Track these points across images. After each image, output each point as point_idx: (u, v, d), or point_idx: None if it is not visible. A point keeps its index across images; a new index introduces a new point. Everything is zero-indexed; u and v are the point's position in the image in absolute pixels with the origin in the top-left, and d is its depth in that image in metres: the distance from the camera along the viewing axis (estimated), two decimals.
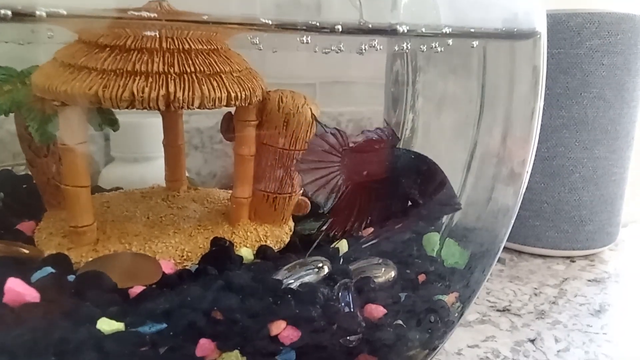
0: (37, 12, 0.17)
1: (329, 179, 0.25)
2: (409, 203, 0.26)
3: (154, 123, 0.40)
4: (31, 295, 0.20)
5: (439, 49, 0.30)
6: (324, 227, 0.26)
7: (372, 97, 0.44)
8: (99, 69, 0.25)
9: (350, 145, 0.25)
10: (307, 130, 0.30)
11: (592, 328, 0.37)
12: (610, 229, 0.50)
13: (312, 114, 0.30)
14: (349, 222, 0.26)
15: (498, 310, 0.39)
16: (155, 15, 0.20)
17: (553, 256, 0.49)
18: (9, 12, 0.17)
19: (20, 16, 0.18)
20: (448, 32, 0.25)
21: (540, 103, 0.28)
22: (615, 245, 0.53)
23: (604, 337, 0.35)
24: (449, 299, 0.27)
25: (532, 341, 0.34)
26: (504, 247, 0.50)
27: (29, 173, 0.31)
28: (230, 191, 0.31)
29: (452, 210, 0.28)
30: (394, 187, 0.26)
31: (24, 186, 0.35)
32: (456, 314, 0.28)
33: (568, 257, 0.50)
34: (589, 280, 0.45)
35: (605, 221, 0.49)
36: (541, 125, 0.46)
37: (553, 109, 0.47)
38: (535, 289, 0.43)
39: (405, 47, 0.34)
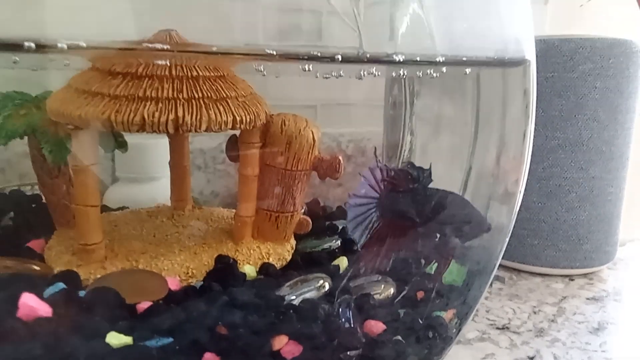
0: (59, 45, 0.19)
1: (367, 216, 0.25)
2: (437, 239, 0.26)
3: (157, 144, 0.41)
4: (44, 310, 0.21)
5: (434, 75, 0.31)
6: (353, 263, 0.26)
7: (371, 118, 0.45)
8: (111, 94, 0.26)
9: (387, 181, 0.25)
10: (309, 152, 0.31)
11: (590, 346, 0.37)
12: (608, 248, 0.51)
13: (313, 136, 0.31)
14: (377, 258, 0.26)
15: (497, 328, 0.39)
16: (168, 47, 0.22)
17: (552, 275, 0.50)
18: (33, 45, 0.18)
19: (43, 48, 0.19)
20: (442, 60, 0.26)
21: (532, 125, 0.30)
22: (614, 264, 0.53)
23: (602, 354, 0.36)
24: (447, 315, 0.28)
25: (532, 359, 0.35)
26: (503, 266, 0.51)
27: (38, 193, 0.33)
28: (234, 210, 0.32)
29: (482, 231, 0.28)
30: (425, 225, 0.26)
31: (33, 205, 0.36)
32: (454, 330, 0.28)
33: (567, 276, 0.50)
34: (588, 299, 0.45)
35: (602, 240, 0.50)
36: (537, 146, 0.47)
37: (548, 130, 0.48)
38: (535, 307, 0.43)
39: (402, 74, 0.35)
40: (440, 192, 0.27)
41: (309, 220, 0.34)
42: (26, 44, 0.18)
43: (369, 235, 0.25)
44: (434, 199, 0.26)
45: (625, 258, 0.56)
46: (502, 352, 0.35)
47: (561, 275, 0.50)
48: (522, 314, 0.42)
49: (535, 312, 0.42)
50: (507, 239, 0.30)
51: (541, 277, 0.50)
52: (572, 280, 0.49)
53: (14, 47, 0.19)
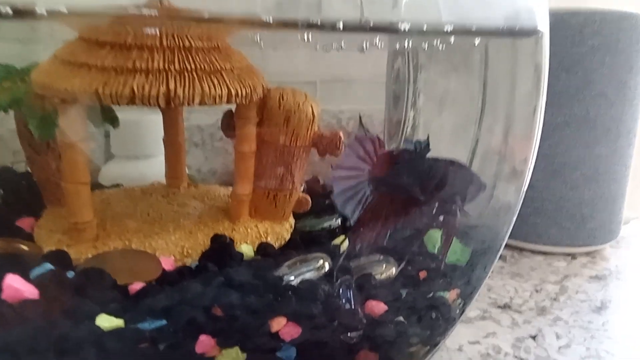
0: (38, 10, 0.17)
1: (358, 190, 0.24)
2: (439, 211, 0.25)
3: (154, 120, 0.40)
4: (30, 291, 0.20)
5: (440, 47, 0.30)
6: (348, 241, 0.25)
7: (373, 95, 0.44)
8: (99, 66, 0.24)
9: (381, 152, 0.24)
10: (308, 128, 0.30)
11: (593, 325, 0.36)
12: (611, 226, 0.50)
13: (313, 111, 0.30)
14: (373, 234, 0.25)
15: (499, 307, 0.39)
16: (156, 12, 0.20)
17: (554, 253, 0.49)
18: (9, 10, 0.17)
19: (21, 14, 0.18)
20: (449, 29, 0.25)
21: (543, 101, 0.28)
22: (617, 242, 0.53)
23: (605, 333, 0.35)
24: (450, 295, 0.27)
25: (533, 337, 0.34)
26: (506, 244, 0.50)
27: (29, 170, 0.32)
28: (231, 188, 0.31)
29: (480, 191, 0.26)
30: (423, 198, 0.25)
31: (24, 183, 0.35)
32: (457, 311, 0.28)
33: (569, 254, 0.49)
34: (590, 277, 0.45)
35: (606, 218, 0.49)
36: (543, 123, 0.46)
37: (555, 107, 0.47)
38: (537, 285, 0.43)
39: (406, 45, 0.33)
40: (438, 161, 0.25)
41: (309, 198, 0.33)
42: (2, 8, 0.17)
43: (362, 211, 0.24)
44: (434, 169, 0.25)
45: (628, 236, 0.55)
46: (503, 331, 0.35)
47: (563, 254, 0.49)
48: (524, 292, 0.41)
49: (537, 291, 0.42)
50: (514, 219, 0.29)
51: (543, 256, 0.49)
52: (575, 258, 0.49)
53: None
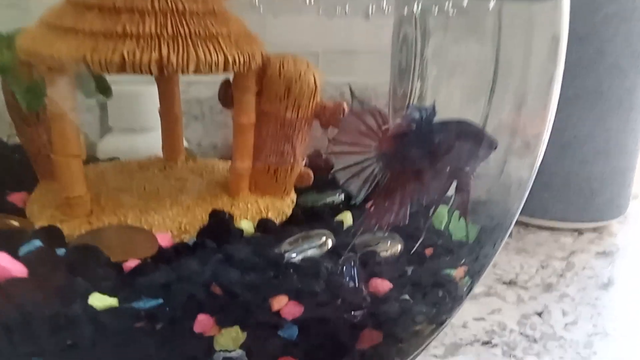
0: None
1: (364, 167, 0.22)
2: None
3: (153, 92, 0.38)
4: (18, 269, 0.19)
5: (451, 12, 0.28)
6: (359, 224, 0.23)
7: (378, 67, 0.42)
8: (86, 30, 0.23)
9: (387, 128, 0.22)
10: (310, 98, 0.28)
11: (600, 301, 0.36)
12: (620, 201, 0.49)
13: (315, 80, 0.28)
14: (389, 214, 0.23)
15: (504, 283, 0.38)
16: None
17: (561, 228, 0.48)
18: None
19: None
20: None
21: (560, 72, 0.27)
22: (625, 218, 0.52)
23: (611, 310, 0.35)
24: (457, 273, 0.26)
25: (539, 314, 0.34)
26: None
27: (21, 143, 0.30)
28: (230, 162, 0.30)
29: (492, 149, 0.24)
30: (439, 168, 0.23)
31: (16, 156, 0.34)
32: (465, 289, 0.27)
33: (576, 230, 0.49)
34: (597, 253, 0.44)
35: (615, 193, 0.48)
36: None
37: (566, 79, 0.44)
38: (543, 261, 0.42)
39: (415, 9, 0.32)
40: (446, 124, 0.23)
41: (311, 173, 0.32)
42: None
43: (369, 189, 0.22)
44: (444, 134, 0.23)
45: (636, 212, 0.54)
46: (509, 307, 0.35)
47: (570, 229, 0.48)
48: (529, 268, 0.41)
49: (543, 267, 0.41)
50: (525, 195, 0.28)
51: (549, 231, 0.48)
52: (582, 234, 0.48)
53: None
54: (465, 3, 0.26)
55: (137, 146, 0.40)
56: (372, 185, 0.22)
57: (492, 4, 0.27)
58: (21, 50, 0.24)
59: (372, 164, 0.22)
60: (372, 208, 0.23)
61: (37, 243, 0.21)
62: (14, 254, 0.20)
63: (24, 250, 0.21)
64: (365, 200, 0.27)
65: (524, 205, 0.47)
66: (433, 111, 0.23)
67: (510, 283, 0.38)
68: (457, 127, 0.23)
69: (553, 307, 0.35)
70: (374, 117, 0.22)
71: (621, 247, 0.45)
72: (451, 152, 0.23)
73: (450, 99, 0.35)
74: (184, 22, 0.24)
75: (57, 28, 0.24)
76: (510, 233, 0.47)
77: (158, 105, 0.32)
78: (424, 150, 0.23)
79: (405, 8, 0.32)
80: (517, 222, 0.49)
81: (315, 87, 0.28)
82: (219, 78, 0.30)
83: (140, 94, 0.39)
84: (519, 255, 0.43)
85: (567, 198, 0.47)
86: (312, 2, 0.27)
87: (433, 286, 0.25)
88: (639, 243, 0.47)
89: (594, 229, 0.49)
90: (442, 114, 0.25)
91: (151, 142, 0.39)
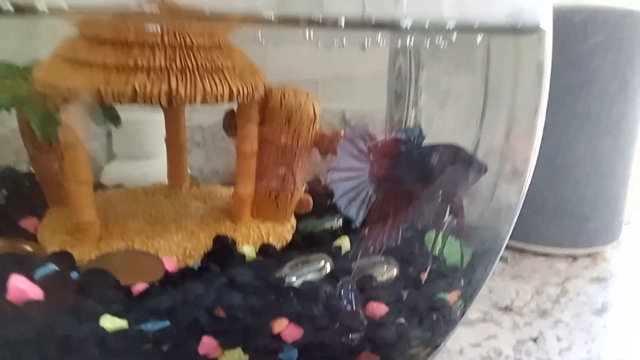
0: (39, 7, 0.17)
1: (359, 190, 0.23)
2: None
3: (156, 120, 0.40)
4: (34, 292, 0.20)
5: (442, 45, 0.30)
6: (359, 245, 0.24)
7: (374, 94, 0.44)
8: (100, 64, 0.24)
9: (377, 147, 0.23)
10: (310, 127, 0.30)
11: (594, 327, 0.36)
12: (613, 227, 0.50)
13: (314, 110, 0.29)
14: (381, 236, 0.24)
15: (500, 309, 0.39)
16: (157, 10, 0.20)
17: (555, 254, 0.49)
18: (11, 7, 0.17)
19: (22, 10, 0.18)
20: (451, 27, 0.25)
21: (545, 100, 0.28)
22: (618, 244, 0.53)
23: (606, 336, 0.35)
24: (451, 297, 0.27)
25: (534, 340, 0.34)
26: (507, 246, 0.50)
27: (32, 170, 0.31)
28: (233, 188, 0.31)
29: (481, 174, 0.25)
30: (429, 188, 0.24)
31: (27, 183, 0.35)
32: (458, 312, 0.28)
33: (570, 256, 0.49)
34: (592, 279, 0.45)
35: (608, 218, 0.49)
36: (544, 121, 0.45)
37: (556, 105, 0.46)
38: (538, 287, 0.43)
39: (408, 43, 0.33)
40: (436, 148, 0.24)
41: (310, 199, 0.33)
42: (2, 4, 0.17)
43: (367, 211, 0.23)
44: (434, 157, 0.24)
45: (629, 238, 0.55)
46: (504, 333, 0.35)
47: (565, 255, 0.49)
48: (525, 294, 0.41)
49: (538, 293, 0.41)
50: (515, 219, 0.29)
51: (544, 257, 0.49)
52: (576, 260, 0.49)
53: None
54: (454, 38, 0.28)
55: (140, 173, 0.41)
56: (368, 208, 0.23)
57: (479, 39, 0.29)
58: (38, 81, 0.26)
59: (366, 186, 0.23)
60: (367, 230, 0.24)
61: (52, 267, 0.22)
62: (29, 277, 0.21)
63: (39, 273, 0.22)
64: (365, 223, 0.28)
65: (518, 230, 0.48)
66: (420, 133, 0.24)
67: (506, 309, 0.39)
68: (446, 151, 0.24)
69: (548, 332, 0.35)
70: (363, 140, 0.23)
71: (615, 273, 0.46)
72: (442, 175, 0.24)
73: (443, 126, 0.37)
74: (192, 56, 0.26)
75: (72, 61, 0.25)
76: (506, 259, 0.48)
77: (161, 133, 0.34)
78: (414, 171, 0.24)
79: (399, 41, 0.34)
80: (512, 248, 0.50)
81: (315, 116, 0.30)
82: (221, 105, 0.32)
83: (143, 122, 0.41)
84: (514, 281, 0.44)
85: (561, 223, 0.48)
86: (312, 37, 0.29)
87: (428, 310, 0.26)
88: (633, 269, 0.48)
89: (588, 255, 0.50)
90: (436, 140, 0.26)
91: (154, 169, 0.41)
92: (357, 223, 0.23)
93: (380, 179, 0.23)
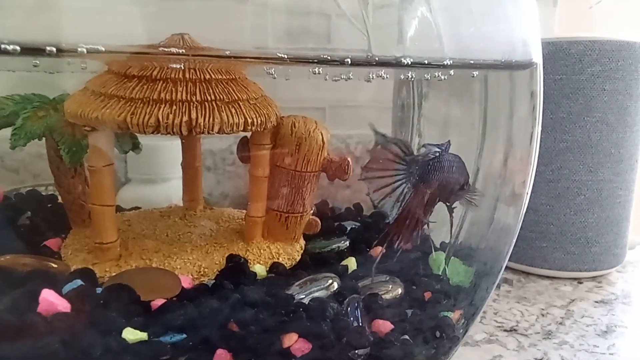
0: (79, 49, 0.19)
1: (395, 187, 0.26)
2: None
3: (169, 146, 0.42)
4: (63, 305, 0.22)
5: (442, 78, 0.32)
6: (386, 237, 0.26)
7: (380, 120, 0.46)
8: (127, 97, 0.26)
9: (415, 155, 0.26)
10: (318, 154, 0.31)
11: (598, 349, 0.37)
12: (616, 251, 0.50)
13: (323, 138, 0.31)
14: (409, 231, 0.27)
15: (505, 330, 0.39)
16: (182, 51, 0.22)
17: (560, 277, 0.50)
18: (54, 49, 0.19)
19: (63, 52, 0.20)
20: (450, 63, 0.27)
21: (539, 127, 0.30)
22: (622, 267, 0.53)
23: (610, 357, 0.36)
24: (454, 315, 0.28)
25: None
26: (512, 268, 0.51)
27: (53, 193, 0.33)
28: (244, 210, 0.33)
29: (466, 194, 0.29)
30: (445, 192, 0.27)
31: (50, 205, 0.37)
32: (461, 330, 0.28)
33: (575, 279, 0.50)
34: (596, 302, 0.45)
35: (611, 243, 0.50)
36: (545, 148, 0.47)
37: (557, 132, 0.48)
38: (543, 309, 0.43)
39: (410, 76, 0.35)
40: (455, 155, 0.28)
41: (318, 221, 0.34)
42: (48, 48, 0.19)
43: (400, 208, 0.26)
44: (458, 163, 0.28)
45: (634, 261, 0.55)
46: (509, 354, 0.36)
47: (570, 278, 0.50)
48: (530, 316, 0.42)
49: (543, 315, 0.42)
50: (514, 240, 0.30)
51: (549, 280, 0.50)
52: (581, 283, 0.49)
53: (36, 51, 0.20)
54: (452, 72, 0.30)
55: (153, 195, 0.43)
56: (401, 205, 0.26)
57: (476, 73, 0.31)
58: (69, 113, 0.28)
59: (402, 184, 0.26)
60: (394, 226, 0.26)
61: (79, 282, 0.24)
62: (57, 291, 0.23)
63: (67, 288, 0.24)
64: (367, 244, 0.30)
65: (524, 254, 0.49)
66: (448, 144, 0.27)
67: (511, 330, 0.39)
68: (459, 160, 0.28)
69: (552, 354, 0.36)
70: (398, 146, 0.26)
71: (620, 296, 0.47)
72: (461, 179, 0.27)
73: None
74: (210, 89, 0.28)
75: (100, 94, 0.27)
76: (511, 281, 0.49)
77: (172, 157, 0.35)
78: (449, 174, 0.27)
79: (402, 75, 0.36)
80: (518, 271, 0.51)
81: (323, 143, 0.31)
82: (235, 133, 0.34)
83: (157, 148, 0.43)
84: (519, 303, 0.44)
85: (565, 247, 0.49)
86: (320, 71, 0.31)
87: (432, 328, 0.27)
88: (637, 292, 0.48)
89: (593, 278, 0.50)
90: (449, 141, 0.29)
91: (166, 192, 0.42)
92: (391, 218, 0.26)
93: (415, 180, 0.26)
